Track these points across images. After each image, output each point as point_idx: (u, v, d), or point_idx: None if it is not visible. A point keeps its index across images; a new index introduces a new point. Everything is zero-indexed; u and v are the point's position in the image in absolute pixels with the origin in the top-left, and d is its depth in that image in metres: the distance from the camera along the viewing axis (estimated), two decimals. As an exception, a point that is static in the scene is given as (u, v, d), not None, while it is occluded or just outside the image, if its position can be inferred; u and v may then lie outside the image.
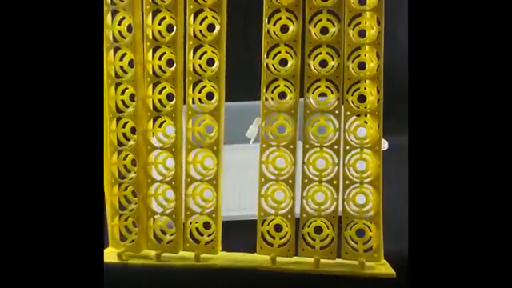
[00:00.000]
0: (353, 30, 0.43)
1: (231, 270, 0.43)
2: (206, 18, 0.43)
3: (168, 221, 0.46)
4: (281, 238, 0.44)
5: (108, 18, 0.42)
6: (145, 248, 0.46)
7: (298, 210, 0.44)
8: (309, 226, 0.44)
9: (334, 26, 0.43)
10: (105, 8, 0.42)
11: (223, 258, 0.45)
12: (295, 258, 0.44)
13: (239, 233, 0.47)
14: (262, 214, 0.44)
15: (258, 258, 0.44)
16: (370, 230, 0.43)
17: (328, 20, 0.43)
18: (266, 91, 0.44)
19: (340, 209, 0.44)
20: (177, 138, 0.44)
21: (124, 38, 0.43)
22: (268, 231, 0.44)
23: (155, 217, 0.46)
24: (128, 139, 0.45)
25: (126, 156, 0.45)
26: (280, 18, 0.43)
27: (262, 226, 0.44)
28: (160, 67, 0.44)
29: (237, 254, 0.45)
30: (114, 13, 0.42)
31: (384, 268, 0.42)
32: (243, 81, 0.47)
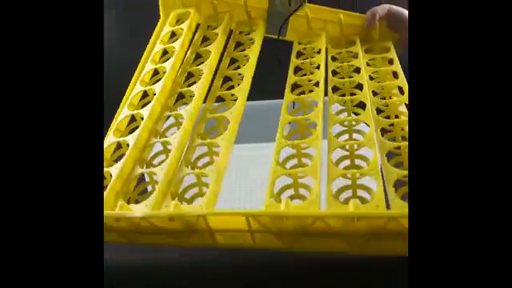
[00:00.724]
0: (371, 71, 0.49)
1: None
2: (244, 50, 0.51)
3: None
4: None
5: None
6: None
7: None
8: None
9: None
10: (169, 28, 0.52)
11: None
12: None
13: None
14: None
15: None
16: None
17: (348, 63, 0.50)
18: (292, 91, 0.45)
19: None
20: (192, 113, 0.42)
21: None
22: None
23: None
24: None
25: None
26: (306, 58, 0.51)
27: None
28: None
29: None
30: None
31: None
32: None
